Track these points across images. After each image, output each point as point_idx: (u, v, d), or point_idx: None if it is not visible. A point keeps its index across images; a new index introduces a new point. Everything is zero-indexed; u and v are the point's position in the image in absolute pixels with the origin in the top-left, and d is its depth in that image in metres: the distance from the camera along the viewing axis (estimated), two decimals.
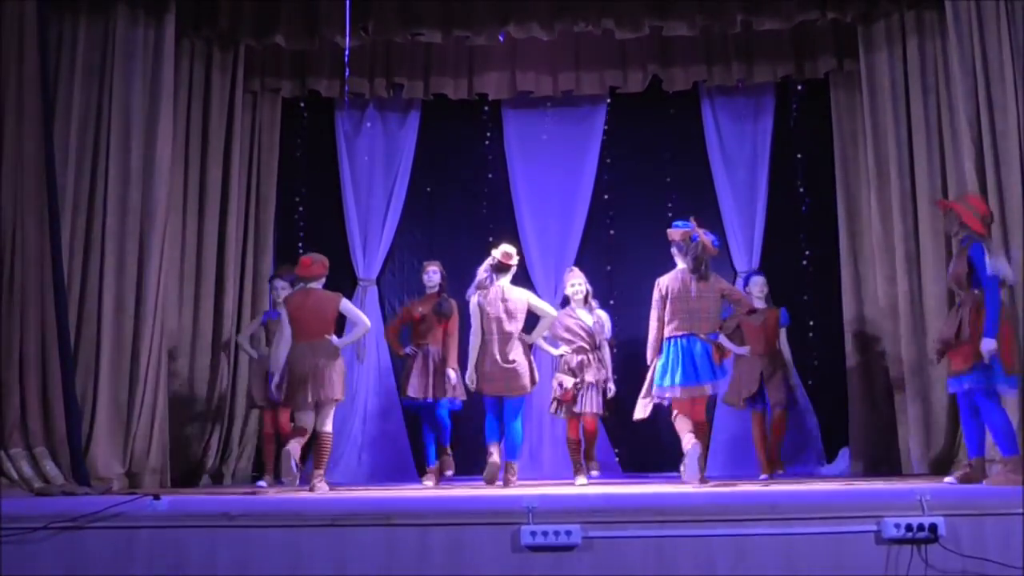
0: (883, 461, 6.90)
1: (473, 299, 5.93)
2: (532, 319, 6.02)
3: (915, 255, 6.58)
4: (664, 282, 5.61)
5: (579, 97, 7.89)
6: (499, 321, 5.85)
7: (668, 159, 8.03)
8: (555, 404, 6.36)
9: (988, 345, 4.87)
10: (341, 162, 7.99)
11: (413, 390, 6.36)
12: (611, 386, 6.40)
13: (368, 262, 7.88)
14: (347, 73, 7.33)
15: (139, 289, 6.18)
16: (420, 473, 6.89)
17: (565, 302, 6.69)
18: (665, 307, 5.53)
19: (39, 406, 5.38)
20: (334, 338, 5.64)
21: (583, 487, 5.77)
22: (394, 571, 3.54)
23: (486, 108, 8.06)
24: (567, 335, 6.39)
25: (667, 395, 5.46)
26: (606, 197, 7.98)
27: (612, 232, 7.96)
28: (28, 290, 5.43)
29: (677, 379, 5.40)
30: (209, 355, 7.04)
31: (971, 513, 3.55)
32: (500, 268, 5.94)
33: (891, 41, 6.86)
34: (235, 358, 7.15)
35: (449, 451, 6.56)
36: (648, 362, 5.63)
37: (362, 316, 5.79)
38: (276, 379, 5.62)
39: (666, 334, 5.51)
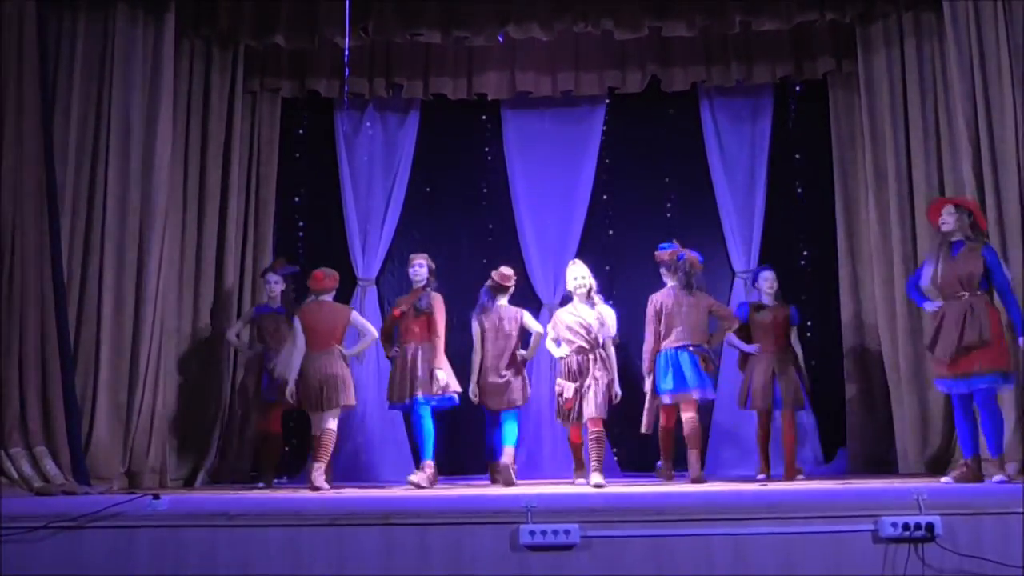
0: (880, 461, 6.92)
1: (474, 321, 6.41)
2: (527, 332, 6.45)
3: (912, 256, 6.59)
4: (657, 299, 6.24)
5: (578, 97, 7.88)
6: (496, 339, 6.33)
7: (667, 159, 8.02)
8: (558, 412, 5.99)
9: None
10: (340, 162, 7.98)
11: (395, 395, 6.13)
12: (617, 389, 5.90)
13: (367, 262, 7.87)
14: (347, 73, 7.33)
15: (138, 288, 6.18)
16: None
17: (564, 302, 6.45)
18: (660, 321, 6.13)
19: (39, 405, 5.38)
20: (344, 347, 6.07)
21: (583, 486, 5.77)
22: (393, 570, 3.55)
23: (485, 108, 8.06)
24: (568, 334, 5.94)
25: (670, 400, 6.07)
26: (605, 197, 7.98)
27: (611, 232, 7.96)
28: (28, 290, 5.43)
29: (668, 386, 6.03)
30: (208, 355, 7.04)
31: (968, 512, 3.56)
32: (498, 289, 6.44)
33: (889, 42, 6.88)
34: (234, 357, 7.14)
35: (430, 463, 5.94)
36: (645, 372, 6.21)
37: (370, 327, 6.22)
38: (291, 386, 5.90)
39: (661, 347, 6.11)
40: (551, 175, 7.93)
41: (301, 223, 7.99)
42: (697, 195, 7.89)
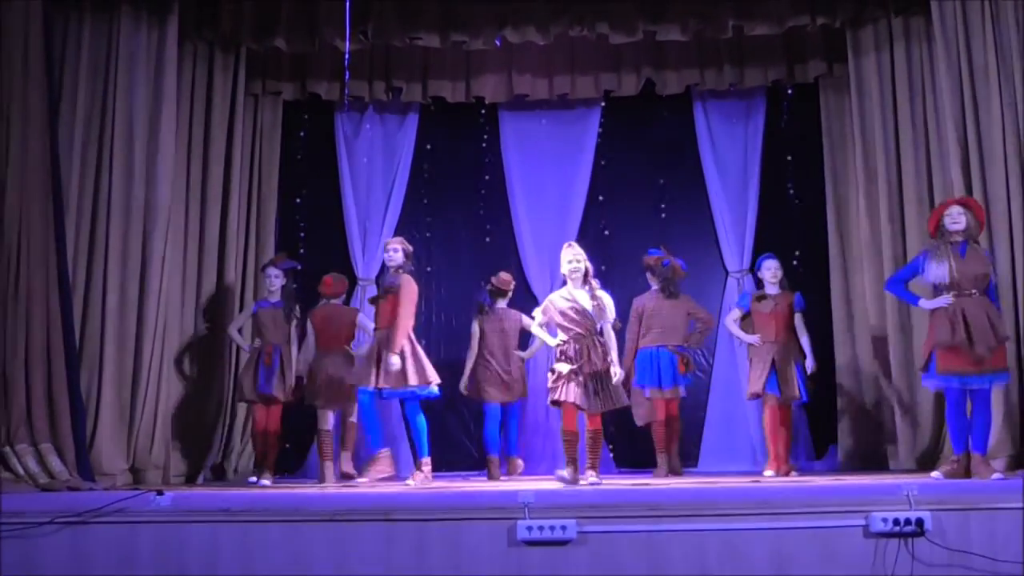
0: (871, 457, 6.93)
1: (475, 322, 6.77)
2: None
3: (902, 256, 6.60)
4: (640, 302, 6.58)
5: (574, 100, 7.88)
6: (498, 339, 6.72)
7: (661, 160, 8.03)
8: (552, 393, 5.43)
9: None
10: (341, 163, 7.98)
11: (355, 378, 5.77)
12: (615, 369, 5.37)
13: (367, 262, 7.87)
14: (347, 76, 7.32)
15: (142, 287, 6.18)
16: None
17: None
18: (640, 323, 6.47)
19: (44, 403, 5.37)
20: (352, 347, 6.47)
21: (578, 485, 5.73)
22: (393, 565, 3.55)
23: (483, 111, 8.05)
24: (563, 321, 5.48)
25: (649, 395, 6.41)
26: (601, 198, 7.99)
27: (606, 232, 7.96)
28: (33, 288, 5.42)
29: (646, 382, 6.40)
30: (210, 353, 7.03)
31: (956, 508, 3.56)
32: (498, 292, 6.82)
33: (879, 46, 6.89)
34: (236, 355, 7.13)
35: (425, 460, 5.69)
36: (622, 368, 5.93)
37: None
38: (294, 380, 6.35)
39: (640, 345, 6.45)
40: (548, 176, 7.94)
41: (302, 223, 7.98)
42: (691, 196, 7.91)
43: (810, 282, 7.58)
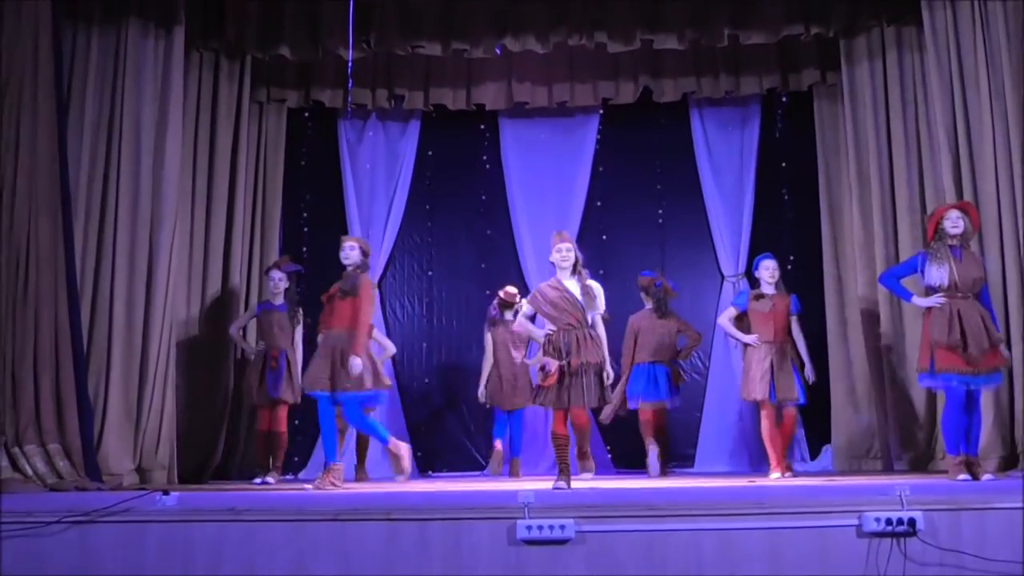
0: (864, 458, 6.93)
1: (487, 334, 7.07)
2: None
3: (895, 260, 6.60)
4: (635, 320, 6.94)
5: (573, 107, 7.91)
6: (506, 349, 6.99)
7: (658, 167, 8.05)
8: (538, 391, 5.07)
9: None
10: (344, 170, 8.01)
11: (308, 381, 5.43)
12: (609, 370, 5.09)
13: (370, 266, 7.87)
14: (350, 84, 7.34)
15: (148, 291, 6.18)
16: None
17: None
18: (636, 340, 6.82)
19: (52, 404, 5.36)
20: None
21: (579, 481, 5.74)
22: (395, 563, 3.54)
23: (484, 118, 8.07)
24: (552, 311, 5.08)
25: (637, 406, 6.74)
26: (599, 204, 8.01)
27: (604, 237, 7.98)
28: (42, 292, 5.42)
29: (642, 394, 6.72)
30: (215, 355, 7.03)
31: (948, 508, 3.56)
32: (505, 305, 7.05)
33: (872, 55, 6.91)
34: (241, 357, 7.13)
35: (405, 444, 5.56)
36: (619, 377, 6.65)
37: (388, 342, 7.02)
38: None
39: (636, 360, 6.79)
40: (547, 182, 7.96)
41: (306, 228, 8.00)
42: (687, 201, 7.93)
43: (804, 286, 7.58)
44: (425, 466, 7.71)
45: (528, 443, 7.32)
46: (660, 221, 8.01)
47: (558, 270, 5.16)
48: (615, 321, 7.04)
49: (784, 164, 7.93)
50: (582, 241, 7.83)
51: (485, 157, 8.13)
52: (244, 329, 6.91)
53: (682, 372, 7.00)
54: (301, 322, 6.63)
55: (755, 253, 7.68)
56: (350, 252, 5.66)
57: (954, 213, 5.29)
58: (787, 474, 6.17)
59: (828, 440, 7.24)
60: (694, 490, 4.77)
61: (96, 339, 5.96)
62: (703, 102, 7.90)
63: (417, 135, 8.02)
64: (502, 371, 7.01)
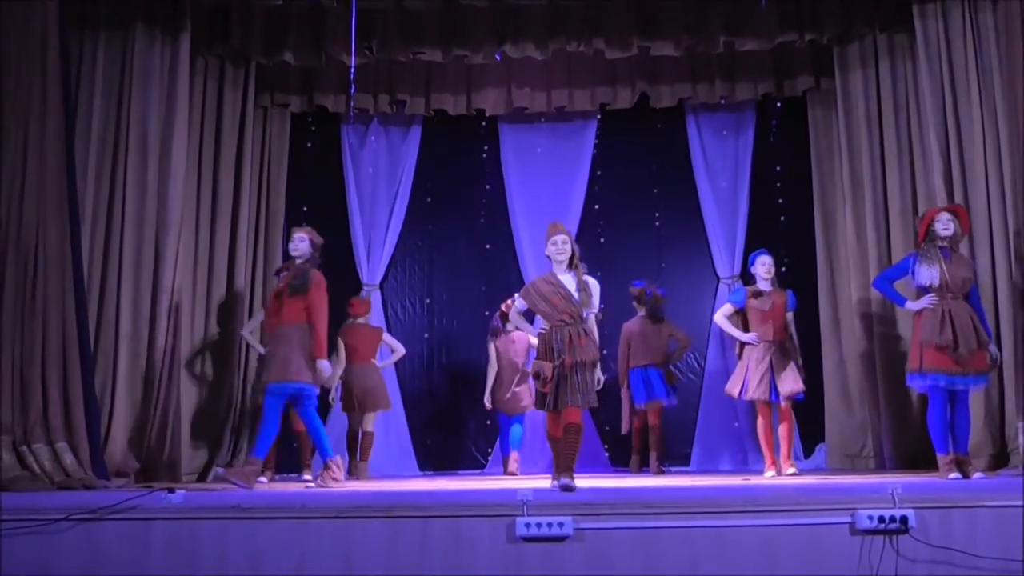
0: (857, 456, 6.93)
1: (490, 343, 7.22)
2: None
3: (887, 262, 6.61)
4: (628, 326, 7.10)
5: (571, 113, 7.92)
6: (508, 358, 7.13)
7: (655, 171, 8.07)
8: (538, 397, 4.75)
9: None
10: (347, 174, 8.02)
11: (276, 375, 5.15)
12: (600, 375, 4.81)
13: (372, 268, 7.90)
14: (352, 90, 7.34)
15: (154, 293, 6.18)
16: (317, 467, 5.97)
17: None
18: (629, 346, 7.01)
19: (60, 403, 5.37)
20: (377, 361, 6.93)
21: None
22: (396, 560, 3.55)
23: (483, 123, 8.09)
24: (545, 306, 4.69)
25: (643, 404, 6.88)
26: (597, 207, 8.02)
27: (602, 240, 7.99)
28: (50, 294, 5.43)
29: (641, 396, 6.88)
30: (220, 355, 7.03)
31: (939, 506, 3.56)
32: (506, 317, 6.99)
33: (865, 62, 6.92)
34: (245, 358, 7.14)
35: (336, 459, 5.35)
36: (620, 383, 7.03)
37: (398, 345, 7.17)
38: (332, 393, 6.80)
39: (630, 365, 6.97)
40: (546, 186, 7.97)
41: None
42: (683, 205, 7.95)
43: (798, 288, 7.58)
44: (425, 465, 7.72)
45: (528, 442, 7.33)
46: (657, 224, 8.02)
47: (553, 263, 4.79)
48: (612, 323, 7.09)
49: (778, 168, 7.95)
50: (580, 243, 7.81)
51: (485, 161, 8.14)
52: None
53: (675, 372, 7.14)
54: None
55: (749, 255, 7.70)
56: (299, 244, 5.35)
57: (945, 215, 5.31)
58: (791, 471, 5.95)
59: (821, 439, 7.24)
60: (690, 488, 4.77)
61: (103, 340, 5.96)
62: (699, 108, 7.92)
63: (418, 139, 8.04)
64: (505, 379, 7.13)
